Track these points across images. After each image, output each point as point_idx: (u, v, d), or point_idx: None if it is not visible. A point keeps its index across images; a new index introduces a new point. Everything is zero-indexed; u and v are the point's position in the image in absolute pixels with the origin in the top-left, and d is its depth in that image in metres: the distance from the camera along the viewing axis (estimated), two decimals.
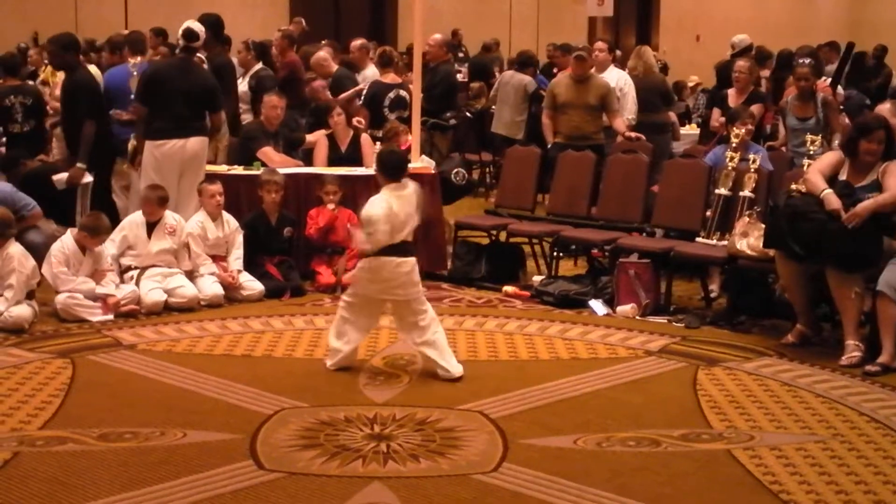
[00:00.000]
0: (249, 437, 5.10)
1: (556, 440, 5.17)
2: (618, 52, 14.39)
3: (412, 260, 6.12)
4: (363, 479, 4.66)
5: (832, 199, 6.51)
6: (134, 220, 7.82)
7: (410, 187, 6.16)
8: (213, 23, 9.43)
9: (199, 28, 8.41)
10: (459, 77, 15.67)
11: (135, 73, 8.78)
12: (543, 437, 5.20)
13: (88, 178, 8.28)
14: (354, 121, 9.54)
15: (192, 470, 4.70)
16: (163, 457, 4.86)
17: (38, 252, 7.38)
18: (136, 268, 7.63)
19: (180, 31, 8.44)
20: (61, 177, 8.01)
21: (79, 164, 8.08)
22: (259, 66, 10.75)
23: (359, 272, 6.27)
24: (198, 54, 8.87)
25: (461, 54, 17.18)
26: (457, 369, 6.07)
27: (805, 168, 7.31)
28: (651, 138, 9.93)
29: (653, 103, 10.47)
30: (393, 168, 6.21)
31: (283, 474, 4.70)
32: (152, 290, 7.46)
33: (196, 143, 8.24)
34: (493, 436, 5.21)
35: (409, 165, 8.87)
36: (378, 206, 6.02)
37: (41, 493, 4.44)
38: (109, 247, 7.61)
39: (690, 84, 15.14)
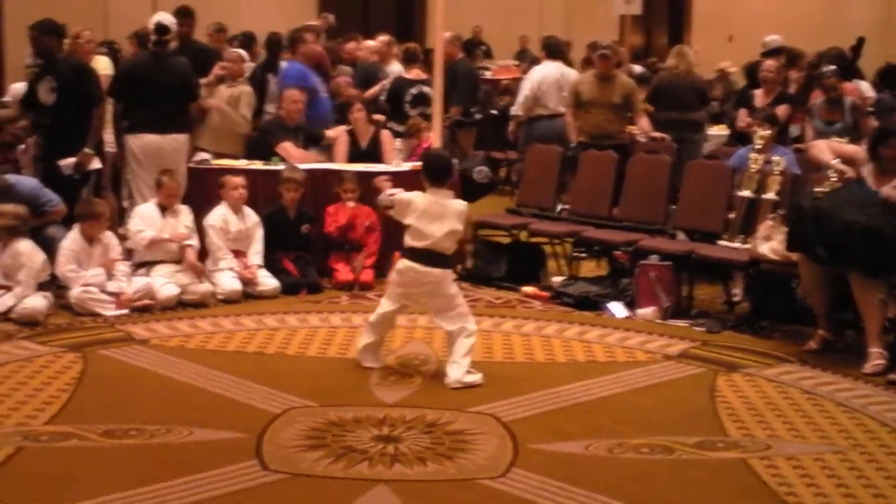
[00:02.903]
0: (256, 436, 5.02)
1: (567, 445, 5.07)
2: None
3: (438, 272, 5.93)
4: (368, 482, 4.57)
5: (841, 167, 6.58)
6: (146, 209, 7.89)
7: (453, 202, 6.03)
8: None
9: (169, 21, 8.47)
10: (489, 74, 15.63)
11: None
12: (554, 442, 5.10)
13: (97, 164, 8.20)
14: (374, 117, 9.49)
15: (195, 469, 4.62)
16: (166, 455, 4.81)
17: (58, 247, 7.35)
18: (146, 263, 7.62)
19: (151, 25, 8.53)
20: (68, 162, 7.94)
21: (86, 150, 7.99)
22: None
23: (392, 274, 6.21)
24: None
25: (478, 52, 17.07)
26: (454, 377, 5.85)
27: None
28: (688, 136, 10.00)
29: (691, 102, 10.39)
30: (431, 171, 6.08)
31: (287, 475, 4.62)
32: (165, 284, 7.42)
33: (173, 140, 8.35)
34: (503, 440, 5.11)
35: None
36: (408, 196, 6.03)
37: (41, 490, 4.39)
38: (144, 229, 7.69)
39: (722, 66, 14.99)
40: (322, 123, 9.48)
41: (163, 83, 8.31)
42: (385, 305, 6.13)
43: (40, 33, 8.08)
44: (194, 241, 7.70)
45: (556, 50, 10.90)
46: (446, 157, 6.47)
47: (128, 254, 7.63)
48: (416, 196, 6.01)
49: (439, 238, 5.89)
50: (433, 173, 6.05)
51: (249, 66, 9.79)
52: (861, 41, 12.88)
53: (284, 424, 5.21)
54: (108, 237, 7.44)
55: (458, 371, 5.86)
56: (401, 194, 6.06)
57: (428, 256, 5.91)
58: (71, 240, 7.32)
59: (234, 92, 9.33)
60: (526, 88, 10.63)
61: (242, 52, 9.60)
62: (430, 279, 5.91)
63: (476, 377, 5.88)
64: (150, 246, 7.62)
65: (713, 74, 14.95)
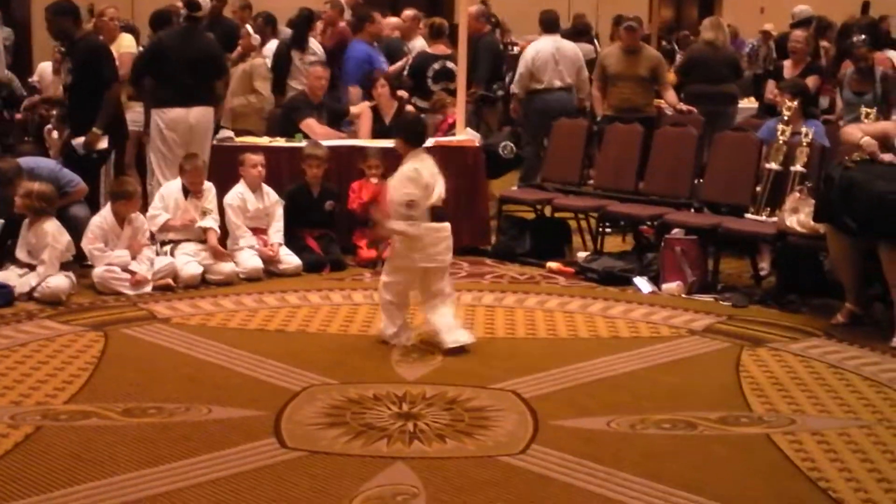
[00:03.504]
0: (275, 413, 5.00)
1: (588, 421, 5.02)
2: None
3: (448, 225, 6.05)
4: (386, 460, 4.53)
5: (870, 142, 6.42)
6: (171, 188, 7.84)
7: (428, 156, 6.12)
8: None
9: None
10: (517, 49, 15.49)
11: None
12: (575, 418, 5.04)
13: (104, 144, 8.04)
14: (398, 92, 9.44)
15: (214, 447, 4.60)
16: (185, 433, 4.78)
17: (82, 226, 7.37)
18: (171, 241, 7.60)
19: (182, 1, 8.52)
20: (79, 141, 7.92)
21: (94, 129, 7.91)
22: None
23: (398, 245, 6.11)
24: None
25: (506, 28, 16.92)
26: (460, 337, 5.97)
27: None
28: (721, 109, 9.88)
29: (725, 75, 10.26)
30: (413, 134, 6.16)
31: (305, 453, 4.59)
32: (188, 263, 7.41)
33: (200, 112, 8.28)
34: (523, 416, 5.07)
35: (455, 138, 8.82)
36: (410, 182, 5.94)
37: (59, 468, 4.37)
38: (160, 212, 7.68)
39: (766, 27, 14.86)
40: None
41: (191, 59, 8.25)
42: (399, 281, 6.10)
43: (54, 14, 8.04)
44: (215, 224, 7.67)
45: (551, 24, 10.71)
46: (422, 118, 6.80)
47: (153, 236, 7.60)
48: (412, 173, 5.97)
49: (440, 193, 5.99)
50: (415, 135, 6.16)
51: (257, 40, 9.79)
52: (866, 5, 12.84)
53: (304, 402, 5.18)
54: (139, 220, 7.43)
55: (458, 331, 6.00)
56: (409, 210, 5.97)
57: (438, 212, 6.01)
58: (102, 217, 7.31)
59: (246, 67, 9.37)
60: (521, 66, 10.40)
61: (249, 27, 9.64)
62: (445, 233, 6.03)
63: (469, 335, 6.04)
64: (163, 229, 7.61)
65: (757, 37, 14.82)
